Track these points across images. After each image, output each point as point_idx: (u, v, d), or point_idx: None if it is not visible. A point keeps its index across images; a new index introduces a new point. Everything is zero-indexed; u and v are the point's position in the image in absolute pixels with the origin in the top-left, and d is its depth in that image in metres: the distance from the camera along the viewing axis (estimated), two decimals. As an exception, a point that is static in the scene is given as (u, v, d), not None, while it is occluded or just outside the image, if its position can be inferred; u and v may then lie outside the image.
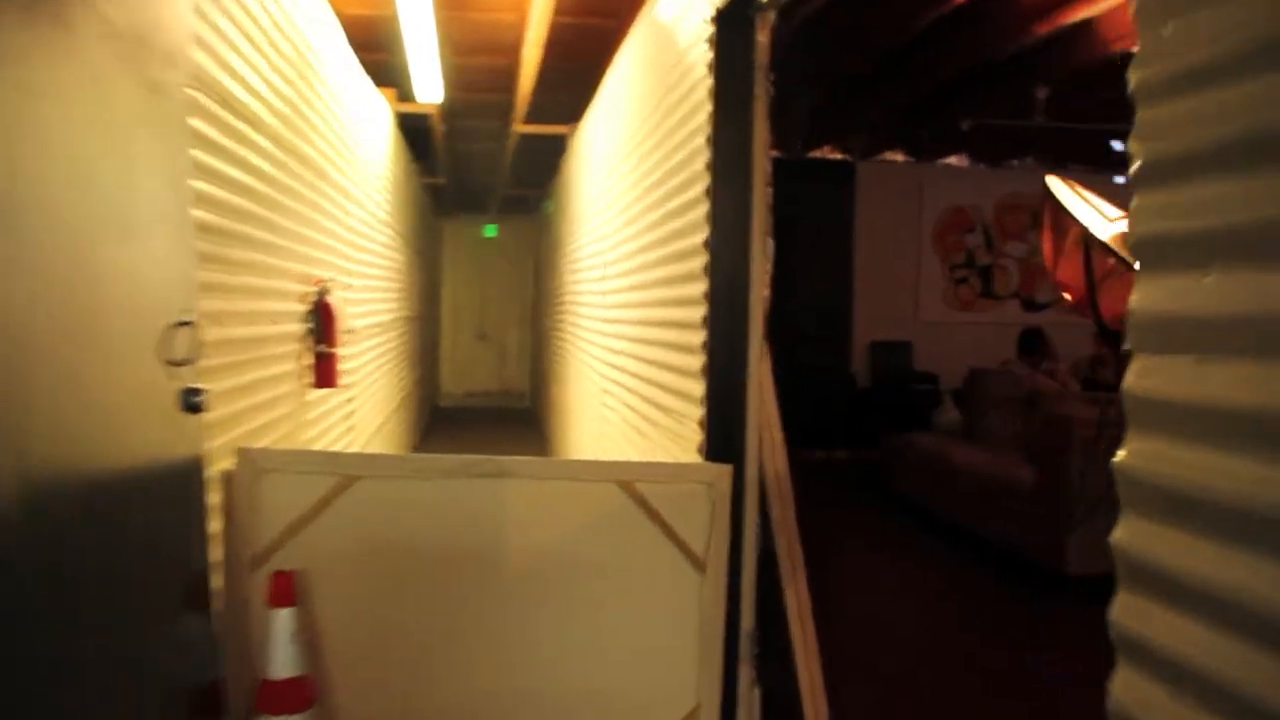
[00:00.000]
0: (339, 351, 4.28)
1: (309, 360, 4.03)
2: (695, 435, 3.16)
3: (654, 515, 2.93)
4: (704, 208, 3.11)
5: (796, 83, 7.94)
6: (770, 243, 3.09)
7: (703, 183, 3.13)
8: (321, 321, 4.10)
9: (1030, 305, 11.22)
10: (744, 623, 3.08)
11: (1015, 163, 10.87)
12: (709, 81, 3.04)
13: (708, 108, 3.06)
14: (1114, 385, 5.91)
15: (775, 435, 3.20)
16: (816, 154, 10.41)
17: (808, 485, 3.30)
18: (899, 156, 10.61)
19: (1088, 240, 4.53)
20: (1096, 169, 9.13)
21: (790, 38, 2.98)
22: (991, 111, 8.41)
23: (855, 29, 6.66)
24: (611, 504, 2.93)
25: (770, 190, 3.05)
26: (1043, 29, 6.40)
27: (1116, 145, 8.99)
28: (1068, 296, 4.83)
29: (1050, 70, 7.27)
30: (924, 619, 5.36)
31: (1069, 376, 7.35)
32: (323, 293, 4.15)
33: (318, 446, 4.32)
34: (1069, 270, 4.65)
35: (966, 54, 7.05)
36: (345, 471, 2.85)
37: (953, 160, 10.79)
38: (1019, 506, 5.90)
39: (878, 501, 8.06)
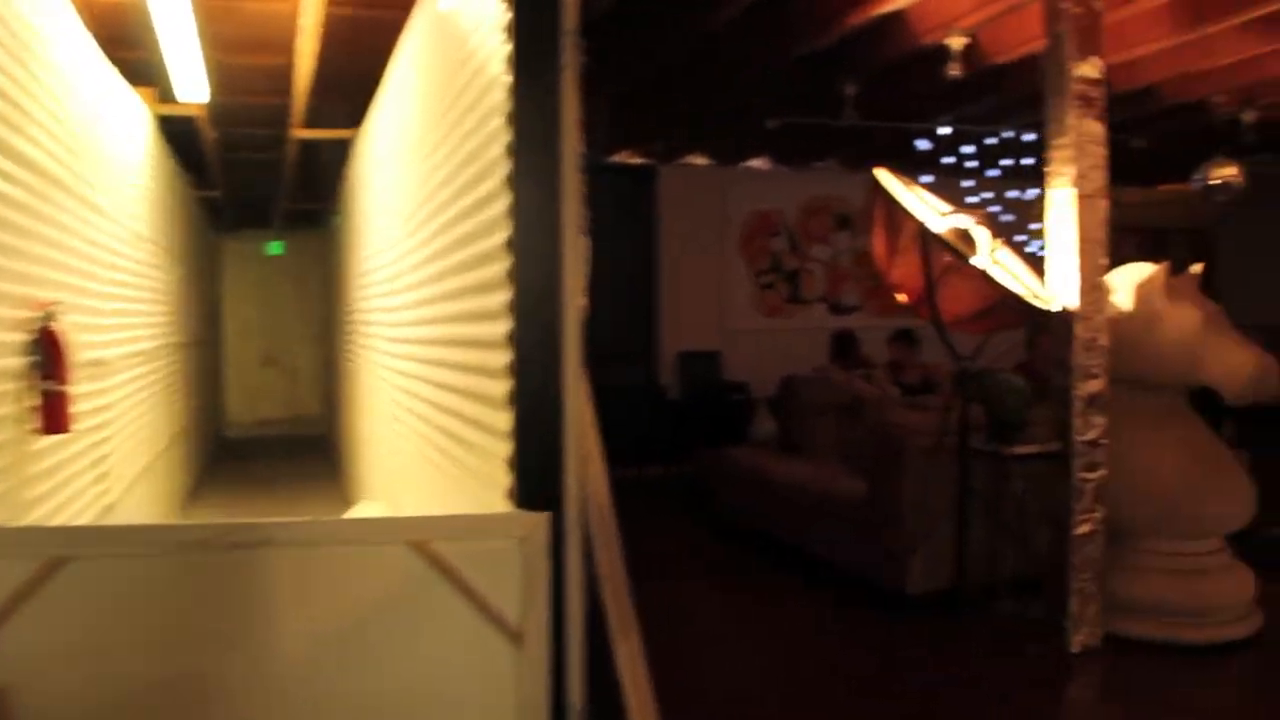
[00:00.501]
0: (72, 389, 3.54)
1: (34, 401, 3.30)
2: (503, 477, 2.60)
3: (456, 580, 2.37)
4: (504, 201, 2.57)
5: (594, 82, 7.48)
6: (585, 241, 2.57)
7: (501, 171, 2.58)
8: (48, 354, 3.37)
9: (837, 309, 11.08)
10: (571, 697, 2.55)
11: (819, 164, 10.69)
12: (507, 48, 2.50)
13: (506, 81, 2.52)
14: (917, 389, 5.60)
15: (598, 472, 2.68)
16: (616, 158, 9.99)
17: (621, 507, 2.80)
18: (701, 160, 10.28)
19: (925, 236, 4.19)
20: (901, 168, 9.01)
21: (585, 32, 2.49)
22: (798, 110, 8.14)
23: (654, 25, 6.25)
24: (403, 570, 2.35)
25: (584, 179, 2.54)
26: (852, 21, 6.12)
27: (922, 144, 8.86)
28: (903, 297, 4.49)
29: (859, 66, 7.01)
30: (759, 654, 4.95)
31: (887, 381, 7.11)
32: (47, 319, 3.41)
33: (49, 506, 3.57)
34: (905, 269, 4.31)
35: (772, 50, 6.73)
36: (51, 552, 2.18)
37: (756, 163, 10.53)
38: (853, 523, 5.55)
39: (700, 521, 7.65)
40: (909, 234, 4.21)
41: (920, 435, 5.17)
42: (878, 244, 4.42)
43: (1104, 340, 4.58)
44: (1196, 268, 4.91)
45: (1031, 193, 10.36)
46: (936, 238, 4.23)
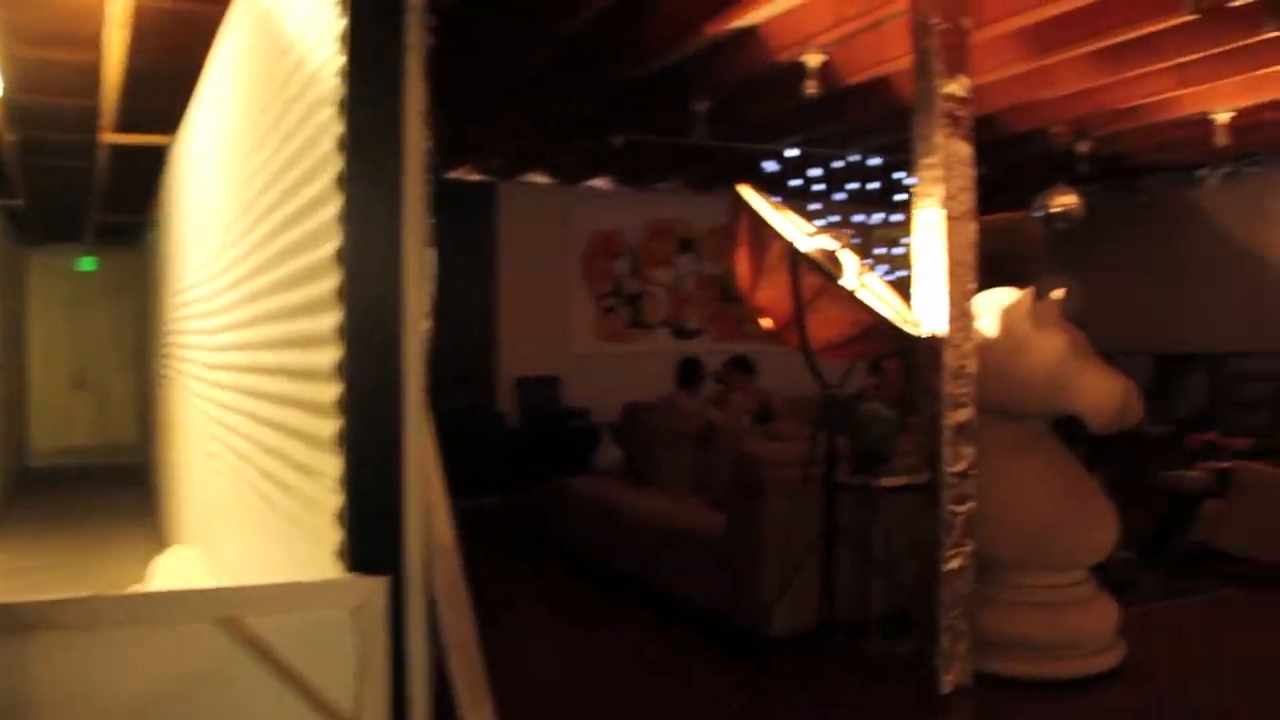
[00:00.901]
0: None
1: None
2: (333, 533, 2.19)
3: (275, 662, 1.95)
4: (335, 205, 2.16)
5: (430, 94, 7.07)
6: (431, 253, 2.19)
7: (333, 169, 2.18)
8: None
9: (680, 333, 10.87)
10: (413, 791, 2.15)
11: (662, 186, 10.48)
12: (342, 23, 2.11)
13: (339, 62, 2.13)
14: (755, 417, 5.35)
15: (444, 525, 2.30)
16: (453, 175, 9.57)
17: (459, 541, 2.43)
18: (543, 178, 9.94)
19: (793, 256, 3.93)
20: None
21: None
22: (645, 127, 7.89)
23: (494, 32, 5.90)
24: (211, 654, 1.92)
25: (431, 180, 2.17)
26: (705, 35, 5.89)
27: (769, 165, 8.71)
28: (768, 322, 4.22)
29: (711, 82, 6.79)
30: (606, 700, 4.59)
31: (742, 409, 6.88)
32: None
33: None
34: (772, 291, 4.05)
35: (619, 63, 6.46)
36: None
37: (598, 182, 10.25)
38: (710, 558, 5.26)
39: (541, 555, 7.27)
40: (776, 254, 3.95)
41: (781, 466, 4.92)
42: (741, 265, 4.15)
43: (973, 368, 4.41)
44: (1059, 293, 4.80)
45: (876, 217, 10.38)
46: (806, 258, 3.98)
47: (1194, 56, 6.48)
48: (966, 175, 4.39)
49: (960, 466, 4.37)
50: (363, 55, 2.12)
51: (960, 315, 4.37)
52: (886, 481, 4.51)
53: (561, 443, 9.27)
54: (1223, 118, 7.67)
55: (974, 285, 4.43)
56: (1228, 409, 9.80)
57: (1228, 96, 7.52)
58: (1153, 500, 7.11)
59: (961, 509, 4.37)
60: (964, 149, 4.38)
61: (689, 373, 7.53)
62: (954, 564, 4.35)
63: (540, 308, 10.18)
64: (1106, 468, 6.64)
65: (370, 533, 2.09)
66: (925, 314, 4.40)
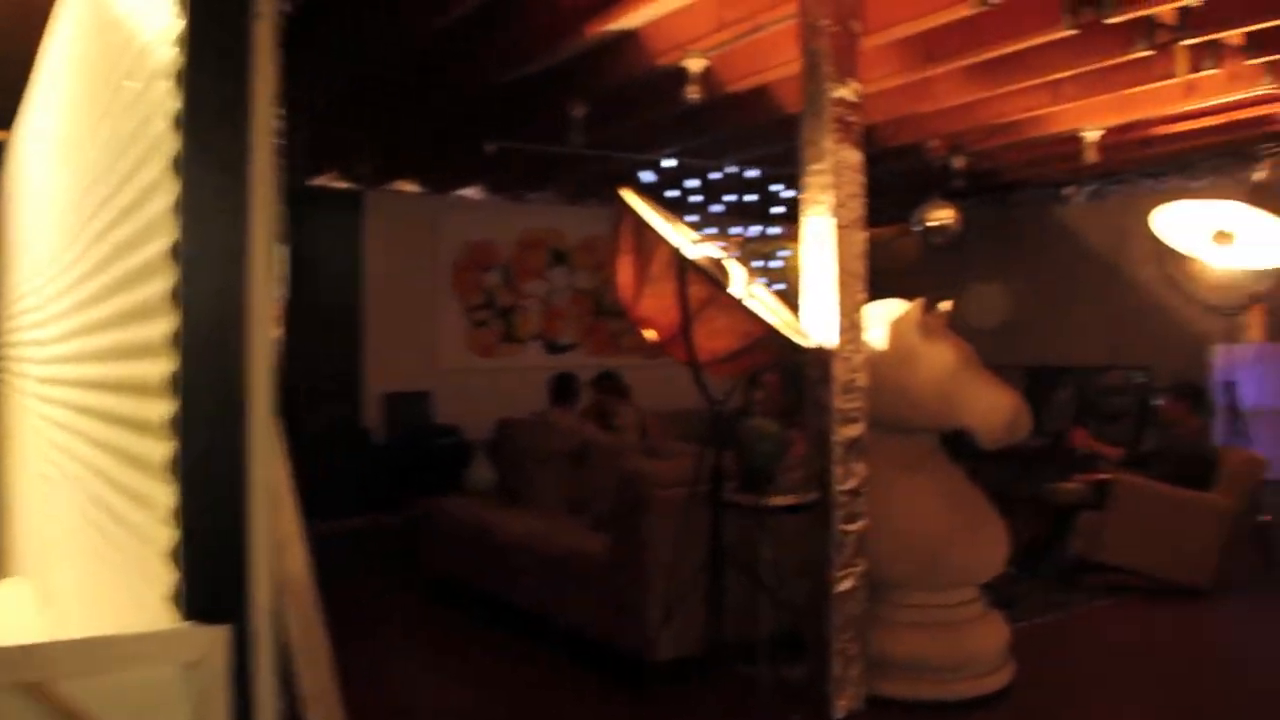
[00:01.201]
0: None
1: None
2: (165, 573, 1.88)
3: (91, 732, 1.64)
4: (168, 194, 1.86)
5: (293, 95, 6.71)
6: (283, 251, 1.91)
7: (167, 151, 1.87)
8: None
9: (553, 348, 10.60)
10: None
11: (535, 196, 10.21)
12: (175, -15, 1.81)
13: (177, 29, 1.83)
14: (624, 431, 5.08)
15: (298, 563, 2.01)
16: (318, 181, 9.15)
17: (318, 565, 2.15)
18: (412, 186, 9.58)
19: (680, 264, 3.71)
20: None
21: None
22: (519, 134, 7.62)
23: (361, 25, 5.58)
24: (8, 724, 1.60)
25: (286, 170, 1.88)
26: (582, 38, 5.67)
27: (646, 176, 8.53)
28: (653, 334, 4.00)
29: (587, 88, 6.56)
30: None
31: (633, 427, 6.66)
32: None
33: None
34: (656, 301, 3.82)
35: (491, 66, 6.19)
36: None
37: (469, 192, 9.92)
38: (591, 582, 5.02)
39: (408, 580, 6.91)
40: (661, 262, 3.73)
41: (665, 485, 4.70)
42: (624, 273, 3.92)
43: (863, 381, 4.26)
44: (946, 305, 4.70)
45: (753, 230, 10.29)
46: (694, 266, 3.77)
47: (1068, 73, 6.51)
48: (856, 182, 4.25)
49: (851, 484, 4.21)
50: (203, 20, 1.82)
51: (850, 327, 4.22)
52: (775, 500, 4.33)
53: (431, 461, 8.91)
54: (1092, 136, 7.76)
55: (864, 296, 4.30)
56: (1094, 421, 9.96)
57: (1098, 115, 7.61)
58: (1031, 513, 7.12)
59: (853, 528, 4.21)
60: (853, 155, 4.24)
61: (562, 388, 7.29)
62: (845, 585, 4.19)
63: (409, 320, 9.80)
64: (985, 481, 6.64)
65: (208, 574, 1.78)
66: (814, 325, 4.24)
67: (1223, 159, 9.27)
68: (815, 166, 4.23)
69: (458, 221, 10.04)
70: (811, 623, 4.30)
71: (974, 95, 6.93)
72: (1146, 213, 9.75)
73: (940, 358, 4.36)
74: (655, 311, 3.86)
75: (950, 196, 8.78)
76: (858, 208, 4.25)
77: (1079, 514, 6.69)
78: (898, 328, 4.42)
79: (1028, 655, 4.80)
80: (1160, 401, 7.06)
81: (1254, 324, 8.74)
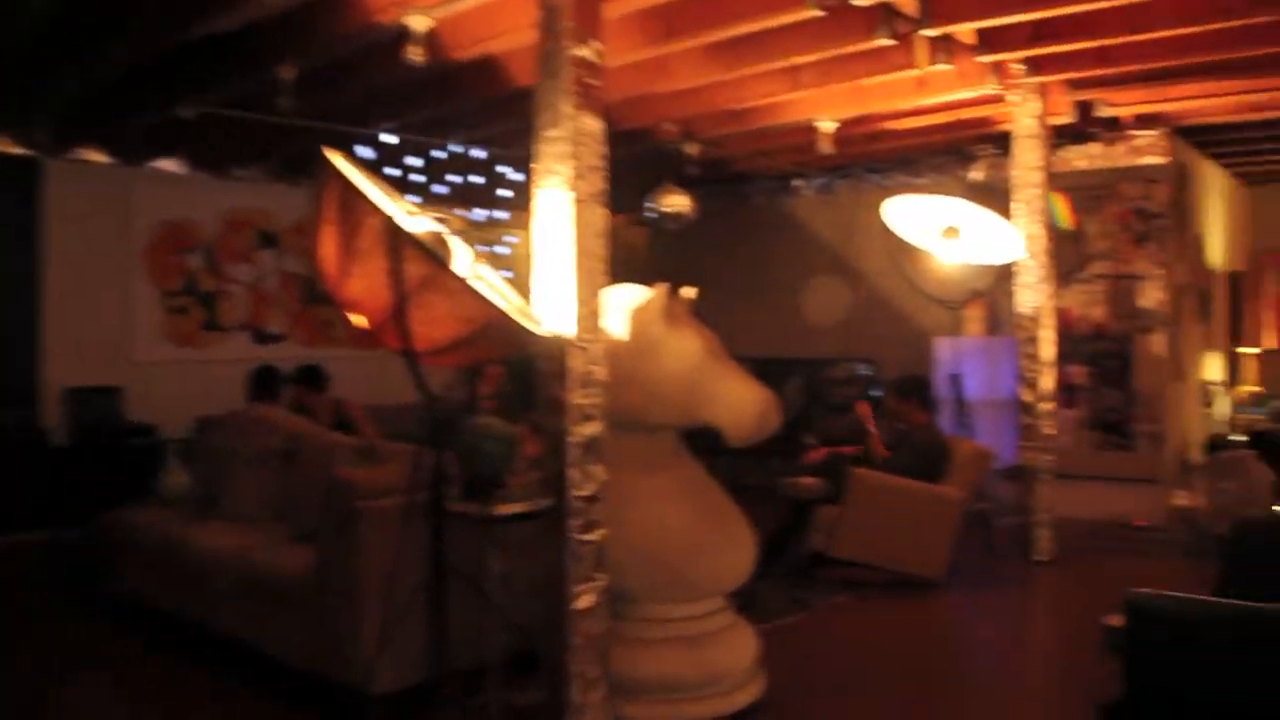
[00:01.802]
0: None
1: None
2: None
3: None
4: None
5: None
6: None
7: None
8: None
9: (261, 338, 9.73)
10: None
11: (241, 172, 9.32)
12: None
13: None
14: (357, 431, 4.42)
15: None
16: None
17: None
18: (100, 156, 8.52)
19: (394, 238, 3.17)
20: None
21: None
22: (221, 100, 6.82)
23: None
24: None
25: None
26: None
27: (364, 152, 7.87)
28: (361, 319, 3.43)
29: (298, 45, 5.87)
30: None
31: (366, 423, 6.03)
32: None
33: None
34: (365, 281, 3.26)
35: (182, 20, 5.43)
36: None
37: (167, 164, 8.93)
38: (297, 605, 4.39)
39: (91, 603, 6.04)
40: (372, 235, 3.18)
41: (379, 494, 4.15)
42: (327, 247, 3.33)
43: (602, 374, 3.84)
44: (690, 291, 4.36)
45: (478, 214, 9.76)
46: (410, 240, 3.24)
47: (809, 58, 6.36)
48: (596, 153, 3.82)
49: (589, 489, 3.79)
50: None
51: (588, 314, 3.80)
52: (504, 508, 3.86)
53: (122, 465, 7.92)
54: (827, 127, 7.69)
55: (604, 279, 3.88)
56: (822, 413, 10.02)
57: (833, 105, 7.54)
58: (767, 508, 6.97)
59: (591, 537, 3.79)
60: (593, 123, 3.82)
61: (263, 383, 6.57)
62: (584, 601, 3.76)
63: (97, 307, 8.71)
64: (718, 475, 6.39)
65: None
66: (548, 312, 3.79)
67: (944, 158, 9.49)
68: (551, 133, 3.77)
69: (153, 197, 9.01)
70: (547, 644, 3.85)
71: (712, 76, 6.68)
72: (873, 207, 9.85)
73: (685, 348, 4.00)
74: (364, 293, 3.30)
75: (684, 184, 8.55)
76: (598, 181, 3.83)
77: (816, 508, 6.55)
78: (639, 316, 4.03)
79: (775, 659, 4.53)
80: (883, 394, 7.03)
81: (974, 318, 8.96)
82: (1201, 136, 8.92)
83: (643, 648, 4.02)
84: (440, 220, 3.76)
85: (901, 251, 7.43)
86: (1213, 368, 10.25)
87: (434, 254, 3.34)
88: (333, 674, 4.24)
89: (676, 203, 8.21)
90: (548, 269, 3.80)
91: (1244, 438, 9.47)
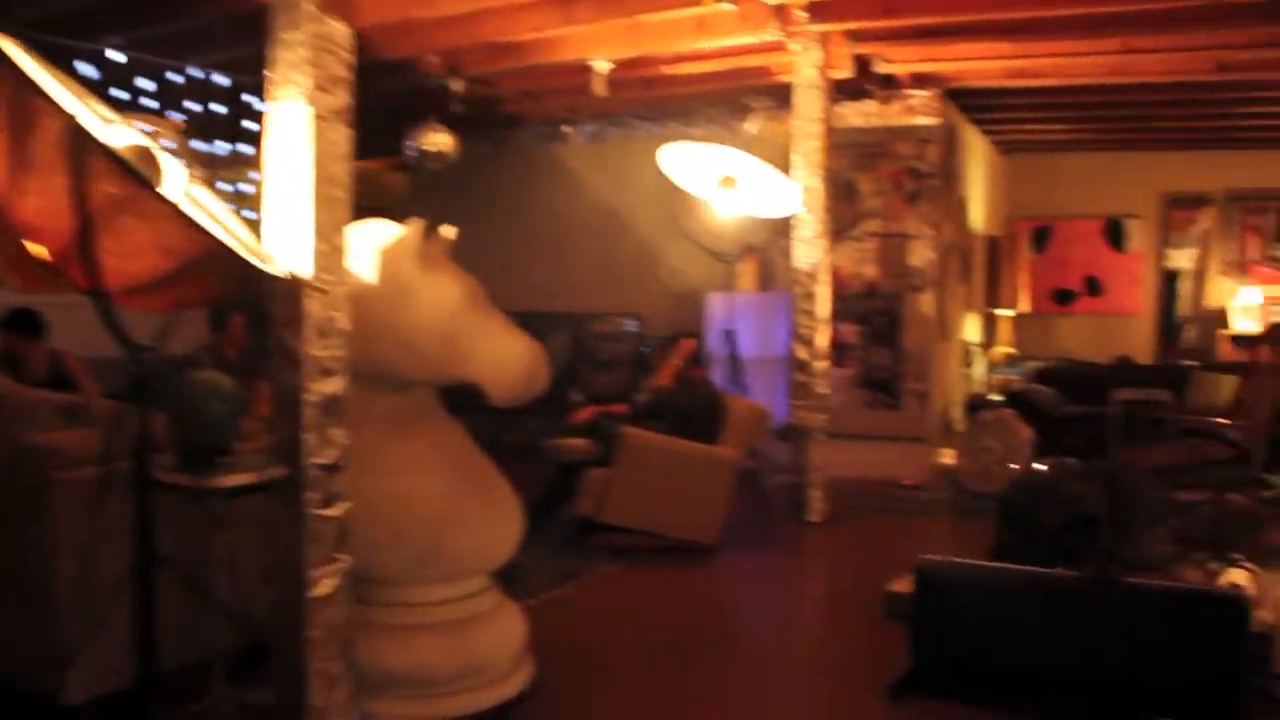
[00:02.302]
0: None
1: None
2: None
3: None
4: None
5: None
6: None
7: None
8: None
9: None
10: None
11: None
12: None
13: None
14: (46, 387, 3.71)
15: None
16: None
17: None
18: None
19: (78, 145, 2.54)
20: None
21: None
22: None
23: None
24: None
25: None
26: None
27: (86, 69, 6.92)
28: (41, 249, 2.77)
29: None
30: None
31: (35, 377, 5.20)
32: None
33: None
34: (44, 201, 2.60)
35: None
36: None
37: None
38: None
39: None
40: (51, 141, 2.54)
41: (75, 464, 3.48)
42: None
43: (345, 322, 3.30)
44: (449, 231, 3.86)
45: (221, 146, 8.86)
46: (101, 150, 2.61)
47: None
48: (343, 63, 3.25)
49: (329, 456, 3.24)
50: None
51: (330, 251, 3.23)
52: (228, 480, 3.28)
53: None
54: (601, 67, 7.25)
55: (347, 212, 3.31)
56: (588, 369, 9.68)
57: (608, 43, 7.11)
58: (531, 469, 6.56)
59: (332, 513, 3.25)
60: (341, 29, 3.24)
61: None
62: (325, 587, 3.22)
63: None
64: (475, 436, 5.92)
65: None
66: (281, 247, 3.21)
67: (719, 109, 9.22)
68: (289, 36, 3.17)
69: None
70: (282, 638, 3.30)
71: (480, 3, 6.13)
72: (645, 157, 9.50)
73: (443, 294, 3.50)
74: (42, 215, 2.64)
75: (448, 124, 7.95)
76: (344, 96, 3.25)
77: (584, 471, 6.16)
78: (391, 256, 3.50)
79: (542, 638, 4.12)
80: (655, 350, 6.70)
81: (747, 273, 8.76)
82: (969, 100, 8.97)
83: (393, 636, 3.52)
84: (152, 132, 3.12)
85: (677, 202, 7.10)
86: (971, 329, 10.44)
87: (133, 170, 2.71)
88: (21, 681, 3.56)
89: (439, 141, 7.61)
90: (281, 197, 3.21)
91: (1000, 397, 9.68)
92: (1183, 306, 12.06)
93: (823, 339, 7.00)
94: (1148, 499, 6.35)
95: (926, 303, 8.55)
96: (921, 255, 8.54)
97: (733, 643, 4.87)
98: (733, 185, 7.09)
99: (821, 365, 6.99)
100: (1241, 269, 11.39)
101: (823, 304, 6.99)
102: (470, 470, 3.72)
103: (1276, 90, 8.15)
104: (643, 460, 6.01)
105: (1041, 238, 11.91)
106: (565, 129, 9.90)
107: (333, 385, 3.25)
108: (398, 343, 3.50)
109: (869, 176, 8.65)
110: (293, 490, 3.22)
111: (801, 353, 6.96)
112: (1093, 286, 11.93)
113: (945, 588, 4.28)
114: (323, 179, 3.18)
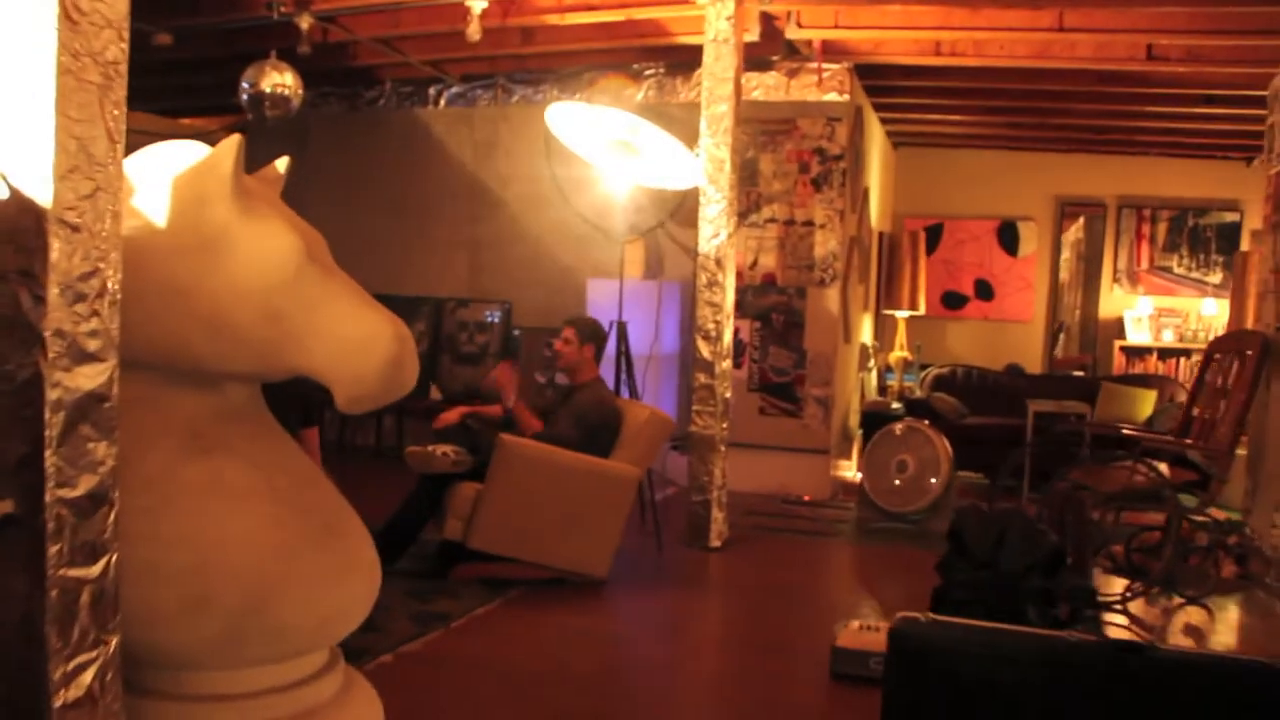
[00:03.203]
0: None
1: None
2: None
3: None
4: None
5: None
6: None
7: None
8: None
9: None
10: None
11: None
12: None
13: None
14: None
15: None
16: None
17: None
18: None
19: None
20: None
21: None
22: None
23: None
24: None
25: None
26: None
27: None
28: None
29: None
30: None
31: None
32: None
33: None
34: None
35: None
36: None
37: None
38: None
39: None
40: None
41: None
42: None
43: (116, 281, 2.16)
44: (281, 163, 2.77)
45: None
46: None
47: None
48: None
49: (87, 486, 2.10)
50: None
51: (89, 165, 2.09)
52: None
53: None
54: (477, 5, 6.14)
55: (120, 112, 2.17)
56: (449, 364, 8.58)
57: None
58: (384, 481, 5.46)
59: (91, 573, 2.11)
60: None
61: None
62: (78, 689, 2.09)
63: None
64: (320, 440, 4.79)
65: None
66: (4, 157, 2.07)
67: (605, 71, 8.21)
68: None
69: None
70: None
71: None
72: (518, 125, 8.46)
73: (271, 247, 2.39)
74: None
75: (292, 67, 6.71)
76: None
77: (451, 485, 5.04)
78: (192, 187, 2.38)
79: (405, 708, 3.04)
80: (555, 342, 5.59)
81: (634, 259, 7.76)
82: (874, 80, 8.15)
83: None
84: None
85: (559, 171, 6.06)
86: (865, 330, 9.67)
87: None
88: None
89: (281, 81, 6.37)
90: (9, 87, 2.06)
91: (899, 406, 8.92)
92: (1064, 314, 11.62)
93: (728, 335, 6.06)
94: (1097, 529, 5.60)
95: (831, 299, 7.70)
96: (826, 246, 7.68)
97: (629, 711, 3.83)
98: (630, 151, 6.10)
99: (726, 366, 6.04)
100: (1133, 279, 10.94)
101: (729, 294, 6.04)
102: (306, 502, 2.60)
103: (1191, 89, 7.61)
104: (523, 475, 4.95)
105: (931, 238, 11.25)
106: (430, 90, 8.73)
107: (93, 377, 2.11)
108: (200, 316, 2.38)
109: (771, 157, 7.75)
110: (28, 538, 2.07)
111: (704, 350, 6.00)
112: (983, 290, 11.33)
113: (928, 653, 3.34)
114: (68, 52, 2.04)
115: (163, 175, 2.43)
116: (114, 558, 2.16)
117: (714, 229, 5.97)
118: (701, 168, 5.99)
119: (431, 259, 8.80)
